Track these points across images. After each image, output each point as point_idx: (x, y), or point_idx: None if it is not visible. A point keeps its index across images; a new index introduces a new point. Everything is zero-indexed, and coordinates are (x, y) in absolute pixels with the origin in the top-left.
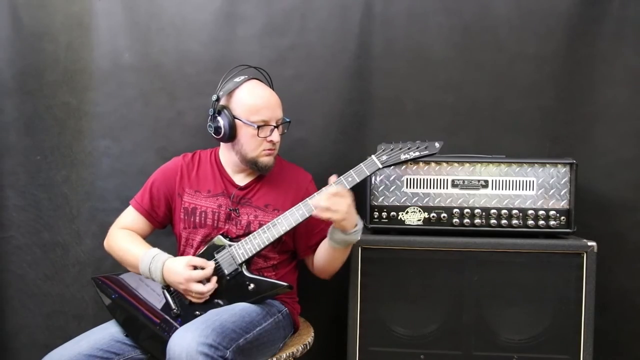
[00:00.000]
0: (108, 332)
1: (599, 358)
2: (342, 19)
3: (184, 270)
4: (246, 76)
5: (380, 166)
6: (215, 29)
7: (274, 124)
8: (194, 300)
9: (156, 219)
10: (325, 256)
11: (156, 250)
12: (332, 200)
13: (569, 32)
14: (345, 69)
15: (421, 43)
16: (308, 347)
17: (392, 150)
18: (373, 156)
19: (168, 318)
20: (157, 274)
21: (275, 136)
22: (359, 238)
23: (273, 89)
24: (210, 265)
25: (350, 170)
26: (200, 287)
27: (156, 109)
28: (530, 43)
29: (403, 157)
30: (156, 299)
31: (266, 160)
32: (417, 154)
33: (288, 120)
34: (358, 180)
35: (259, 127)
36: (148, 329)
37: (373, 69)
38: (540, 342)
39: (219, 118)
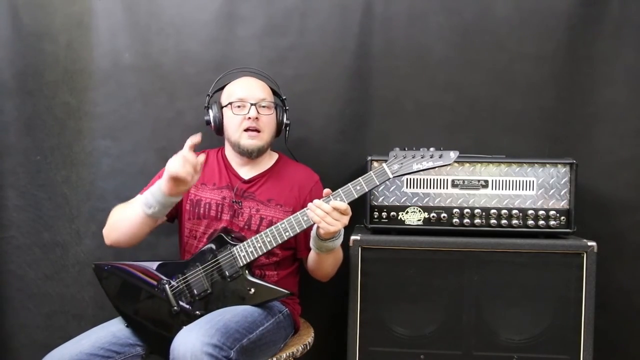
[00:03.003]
0: (109, 331)
1: (599, 358)
2: (342, 19)
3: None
4: (245, 74)
5: (391, 176)
6: (215, 29)
7: (252, 102)
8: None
9: None
10: (311, 258)
11: None
12: (333, 214)
13: (569, 32)
14: (345, 69)
15: (421, 43)
16: (308, 347)
17: (404, 158)
18: (384, 165)
19: (165, 278)
20: (158, 186)
21: (252, 112)
22: (337, 246)
23: (278, 88)
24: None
25: (359, 178)
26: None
27: (156, 109)
28: (530, 43)
29: (416, 167)
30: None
31: (247, 142)
32: (430, 164)
33: (273, 102)
34: (367, 190)
35: (232, 104)
36: (145, 292)
37: (373, 69)
38: (540, 342)
39: (209, 111)
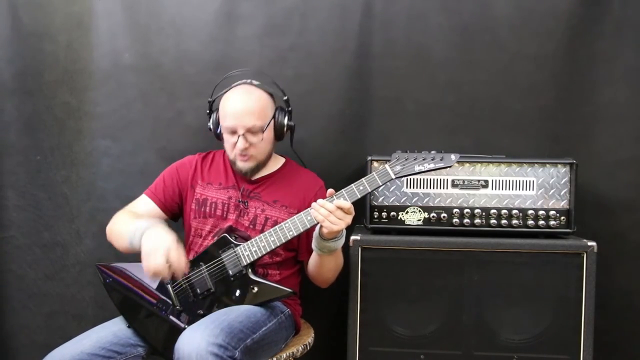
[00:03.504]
0: (110, 331)
1: (599, 358)
2: (342, 19)
3: (172, 242)
4: (242, 80)
5: (393, 177)
6: (215, 29)
7: (241, 132)
8: (145, 267)
9: (169, 208)
10: (312, 261)
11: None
12: (337, 213)
13: (569, 32)
14: (345, 69)
15: (421, 43)
16: (308, 348)
17: (406, 160)
18: (387, 166)
19: (164, 298)
20: (142, 229)
21: (240, 143)
22: (339, 247)
23: (278, 89)
24: (184, 274)
25: (362, 179)
26: (158, 262)
27: (156, 109)
28: (530, 43)
29: (417, 168)
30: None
31: (240, 164)
32: (432, 166)
33: (265, 123)
34: (369, 190)
35: (224, 132)
36: (145, 310)
37: (373, 69)
38: (540, 342)
39: (210, 117)
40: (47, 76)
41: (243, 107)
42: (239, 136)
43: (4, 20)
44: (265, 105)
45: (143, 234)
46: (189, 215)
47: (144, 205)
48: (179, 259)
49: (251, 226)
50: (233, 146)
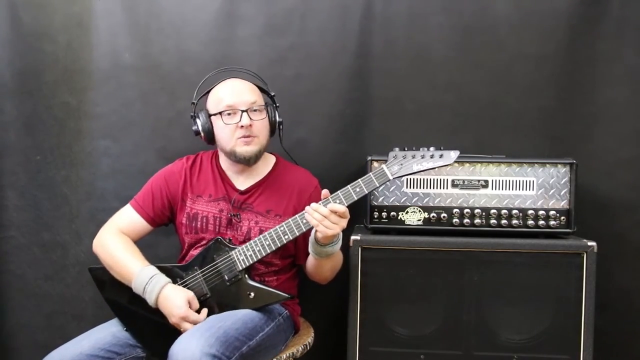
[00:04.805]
0: (109, 332)
1: (599, 358)
2: (342, 19)
3: (184, 307)
4: (228, 77)
5: (391, 178)
6: (215, 29)
7: (242, 109)
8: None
9: (157, 220)
10: (310, 263)
11: (154, 270)
12: (331, 217)
13: (569, 32)
14: (345, 69)
15: (421, 43)
16: (308, 348)
17: (404, 158)
18: (384, 166)
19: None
20: (152, 296)
21: (244, 119)
22: (336, 251)
23: (265, 85)
24: (204, 312)
25: (359, 180)
26: (189, 327)
27: (156, 109)
28: (530, 43)
29: (416, 167)
30: None
31: (243, 150)
32: (430, 164)
33: (265, 104)
34: (366, 192)
35: (222, 113)
36: (141, 313)
37: (373, 69)
38: (540, 342)
39: (197, 121)
40: (47, 76)
41: (241, 85)
42: (241, 113)
43: (4, 20)
44: (259, 90)
45: (156, 300)
46: (180, 229)
47: (131, 218)
48: (198, 318)
49: (246, 240)
50: (234, 129)
